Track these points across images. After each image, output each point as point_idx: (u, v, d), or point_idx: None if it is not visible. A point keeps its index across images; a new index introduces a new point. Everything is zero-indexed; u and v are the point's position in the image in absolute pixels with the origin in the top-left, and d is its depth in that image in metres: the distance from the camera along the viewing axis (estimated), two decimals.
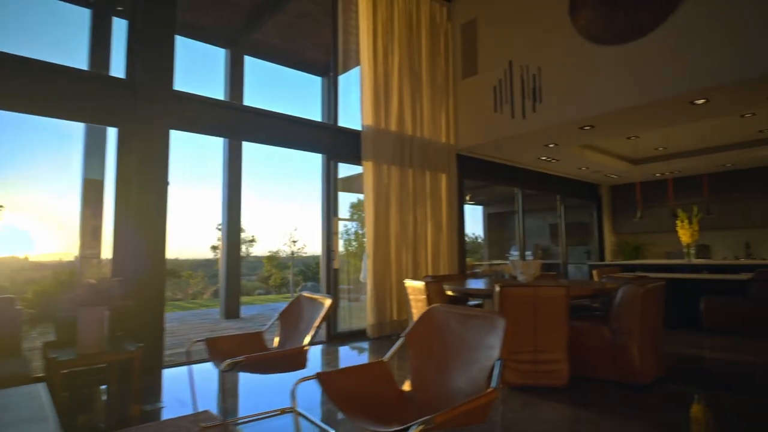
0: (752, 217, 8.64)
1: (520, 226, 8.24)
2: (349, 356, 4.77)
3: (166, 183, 4.22)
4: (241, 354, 2.39)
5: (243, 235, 20.82)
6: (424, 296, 3.97)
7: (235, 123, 4.93)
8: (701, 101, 4.78)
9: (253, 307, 9.91)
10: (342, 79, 6.18)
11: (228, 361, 2.19)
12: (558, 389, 3.30)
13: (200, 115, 4.63)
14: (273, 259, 22.21)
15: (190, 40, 7.62)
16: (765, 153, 7.53)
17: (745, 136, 7.36)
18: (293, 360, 2.42)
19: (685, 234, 6.27)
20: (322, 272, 5.63)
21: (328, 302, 2.58)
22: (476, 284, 4.39)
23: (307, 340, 2.44)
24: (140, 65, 4.17)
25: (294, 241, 22.14)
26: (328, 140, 5.64)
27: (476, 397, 1.46)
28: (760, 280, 5.15)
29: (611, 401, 3.10)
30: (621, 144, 7.72)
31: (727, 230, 9.18)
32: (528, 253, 11.81)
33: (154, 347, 3.97)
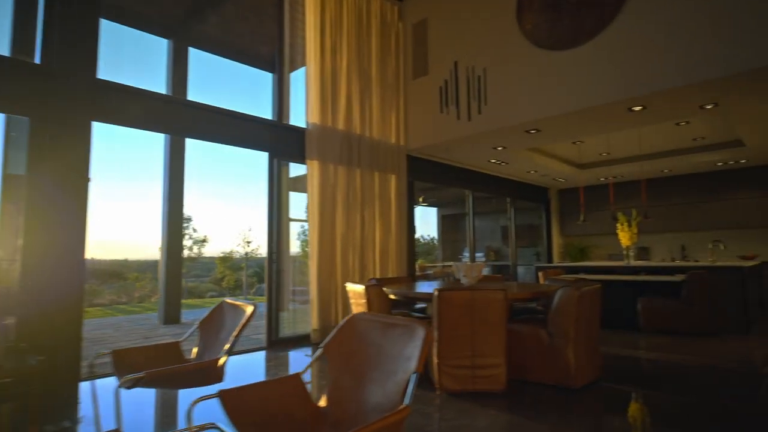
0: (687, 220, 9.09)
1: (470, 228, 8.29)
2: (293, 362, 4.57)
3: (86, 179, 3.88)
4: (154, 367, 2.17)
5: (195, 235, 20.07)
6: (364, 300, 3.84)
7: (170, 117, 4.63)
8: (639, 108, 4.91)
9: (197, 311, 9.46)
10: (294, 76, 5.98)
11: (128, 376, 1.97)
12: (496, 394, 3.25)
13: (129, 107, 4.30)
14: (227, 260, 21.50)
15: (130, 28, 7.17)
16: (698, 160, 7.92)
17: (680, 143, 7.71)
18: (208, 373, 2.23)
19: (624, 237, 6.48)
20: (266, 274, 5.40)
21: (249, 309, 2.40)
22: (424, 287, 4.31)
23: (224, 351, 2.25)
24: (58, 49, 3.81)
25: (248, 242, 21.51)
26: (273, 138, 5.42)
27: (384, 417, 1.34)
28: (691, 281, 5.36)
29: (546, 405, 3.08)
30: (567, 148, 7.92)
31: (664, 233, 9.62)
32: (480, 254, 11.96)
33: (69, 358, 3.63)
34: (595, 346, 3.62)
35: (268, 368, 4.42)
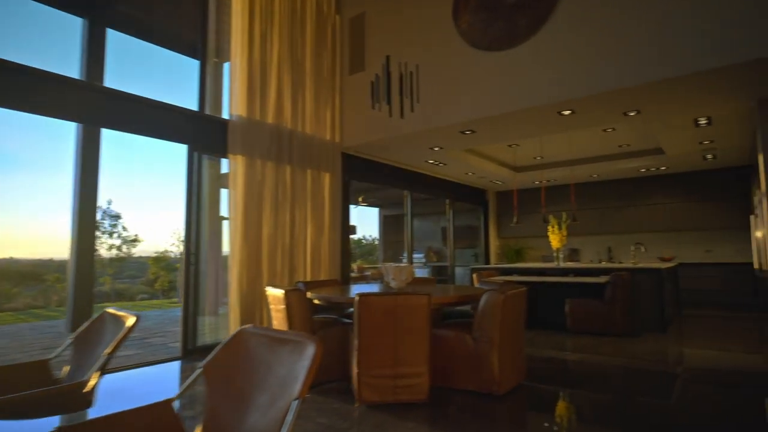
0: (613, 224, 9.53)
1: (409, 228, 8.20)
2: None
3: None
4: (13, 391, 1.81)
5: (125, 234, 18.80)
6: (284, 306, 3.57)
7: (75, 103, 4.14)
8: (568, 112, 4.99)
9: None
10: (226, 66, 5.59)
11: None
12: (418, 404, 3.10)
13: (22, 89, 3.77)
14: (160, 260, 20.26)
15: (38, 3, 6.42)
16: (623, 166, 8.29)
17: (608, 150, 8.05)
18: (73, 398, 1.88)
19: (555, 239, 6.63)
20: (183, 276, 4.97)
21: (130, 321, 2.07)
22: (356, 290, 4.09)
23: (93, 370, 1.92)
24: None
25: (182, 241, 20.41)
26: (193, 129, 5.00)
27: None
28: (614, 283, 5.53)
29: (469, 414, 2.97)
30: (504, 151, 8.02)
31: (593, 236, 10.04)
32: (419, 255, 11.95)
33: None
34: (520, 349, 3.57)
35: (182, 380, 4.04)
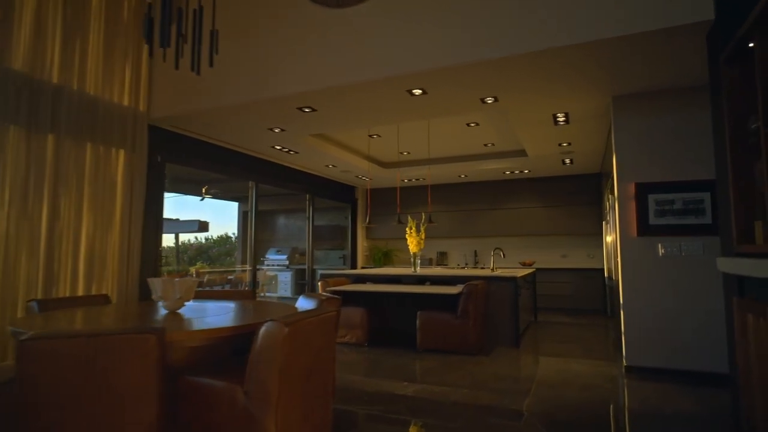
0: (480, 227, 9.25)
1: (251, 226, 6.90)
2: None
3: None
4: None
5: None
6: None
7: None
8: (419, 92, 4.17)
9: None
10: None
11: None
12: None
13: None
14: None
15: None
16: (490, 167, 7.94)
17: (474, 149, 7.60)
18: None
19: (412, 242, 5.89)
20: None
21: None
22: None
23: None
24: None
25: None
26: None
27: None
28: (467, 293, 4.88)
29: None
30: (365, 143, 7.14)
31: (462, 238, 9.71)
32: (282, 257, 10.70)
33: None
34: (322, 403, 2.56)
35: None
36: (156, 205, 5.18)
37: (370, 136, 6.70)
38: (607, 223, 5.96)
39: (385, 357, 4.82)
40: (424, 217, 5.90)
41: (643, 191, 4.13)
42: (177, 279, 2.95)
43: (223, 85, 4.49)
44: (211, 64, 3.02)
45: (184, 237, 13.77)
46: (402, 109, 4.69)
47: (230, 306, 3.19)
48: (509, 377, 4.10)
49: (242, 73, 4.40)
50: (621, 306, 4.28)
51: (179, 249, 12.85)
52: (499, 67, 3.60)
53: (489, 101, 4.43)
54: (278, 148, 6.34)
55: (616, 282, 4.75)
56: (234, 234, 12.05)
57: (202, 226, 10.32)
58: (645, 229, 4.09)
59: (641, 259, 4.12)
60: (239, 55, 4.42)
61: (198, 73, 3.00)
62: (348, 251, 9.98)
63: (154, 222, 5.14)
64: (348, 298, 5.64)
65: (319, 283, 5.60)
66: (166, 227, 11.14)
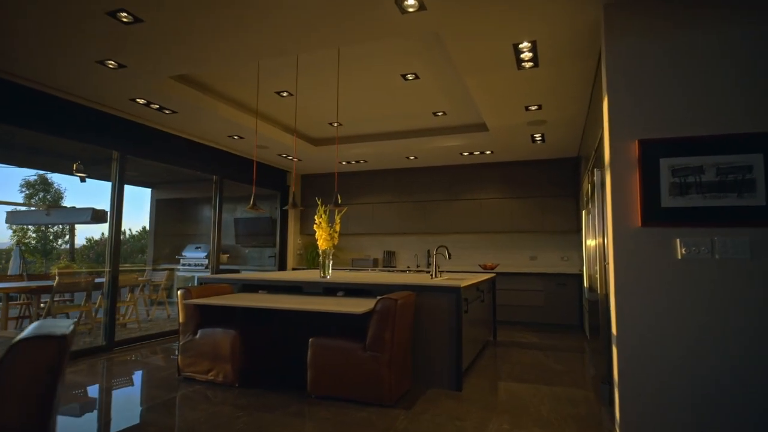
0: (433, 221, 7.63)
1: (115, 213, 5.05)
2: None
3: None
4: None
5: None
6: None
7: None
8: None
9: None
10: None
11: None
12: None
13: None
14: None
15: None
16: (442, 144, 6.30)
17: (423, 121, 5.94)
18: None
19: (321, 237, 4.20)
20: None
21: None
22: None
23: None
24: None
25: None
26: None
27: None
28: (381, 314, 3.18)
29: None
30: (278, 108, 5.39)
31: (411, 235, 8.08)
32: (202, 254, 8.86)
33: None
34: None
35: None
36: None
37: (277, 93, 4.97)
38: (589, 215, 4.40)
39: (254, 409, 3.10)
40: (336, 209, 4.16)
41: (651, 153, 2.54)
42: None
43: None
44: None
45: (97, 232, 11.75)
46: (285, 25, 2.98)
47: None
48: None
49: None
50: (614, 341, 2.67)
51: (73, 243, 10.85)
52: None
53: (411, 10, 2.77)
54: (142, 102, 4.55)
55: (602, 298, 3.16)
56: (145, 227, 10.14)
57: (98, 215, 8.40)
58: (654, 214, 2.50)
59: (648, 264, 2.52)
60: None
61: None
62: (276, 249, 8.23)
63: None
64: (219, 317, 3.91)
65: (179, 293, 3.85)
66: (54, 216, 9.11)
